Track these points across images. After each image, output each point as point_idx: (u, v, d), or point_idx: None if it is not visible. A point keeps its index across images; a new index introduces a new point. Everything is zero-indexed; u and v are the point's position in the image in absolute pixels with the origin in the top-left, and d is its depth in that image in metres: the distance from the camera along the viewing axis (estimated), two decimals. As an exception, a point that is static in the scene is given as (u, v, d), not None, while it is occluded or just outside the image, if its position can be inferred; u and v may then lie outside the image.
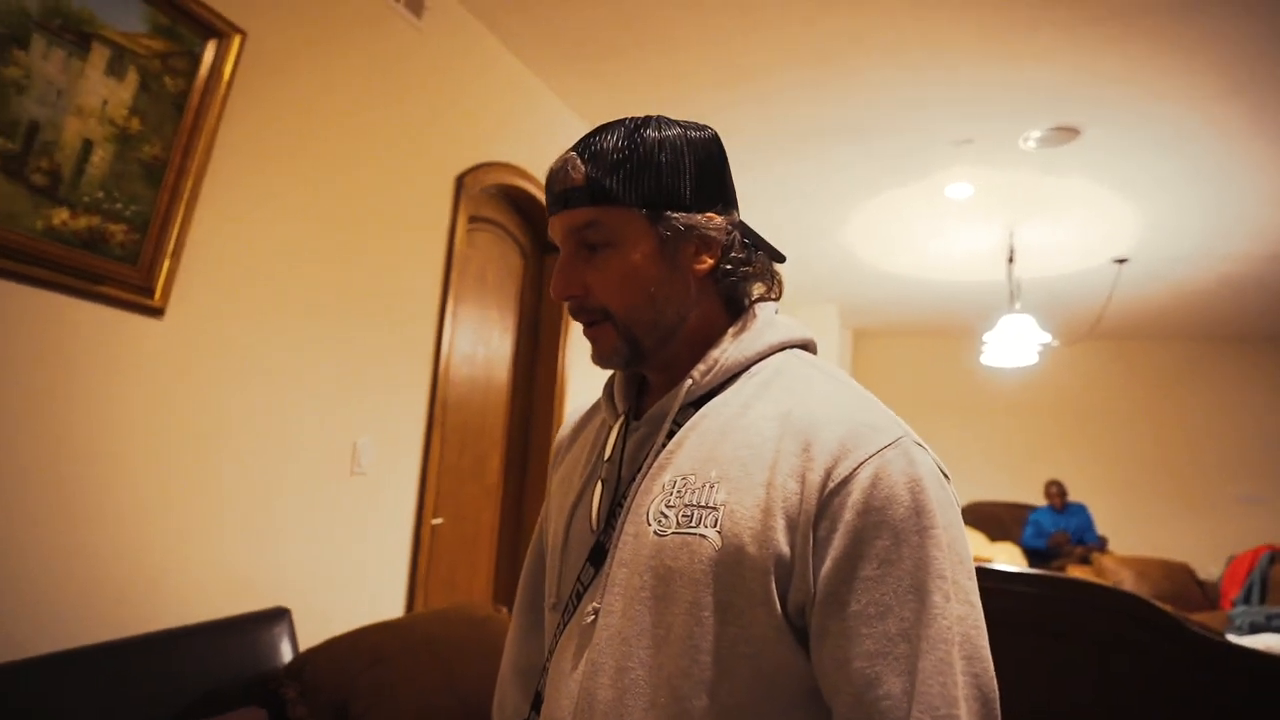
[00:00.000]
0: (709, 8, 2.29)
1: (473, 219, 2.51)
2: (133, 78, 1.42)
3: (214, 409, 1.59)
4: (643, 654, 0.63)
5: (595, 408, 0.86)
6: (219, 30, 1.56)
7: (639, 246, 0.68)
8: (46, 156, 1.30)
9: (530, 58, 2.62)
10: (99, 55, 1.37)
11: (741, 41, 2.46)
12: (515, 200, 2.78)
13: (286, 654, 1.59)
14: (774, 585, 0.60)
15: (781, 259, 0.78)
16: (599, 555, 0.70)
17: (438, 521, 2.38)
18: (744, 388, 0.69)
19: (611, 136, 0.68)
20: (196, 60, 1.53)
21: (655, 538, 0.64)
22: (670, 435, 0.69)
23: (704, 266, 0.71)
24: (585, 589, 0.70)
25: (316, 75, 1.85)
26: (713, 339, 0.72)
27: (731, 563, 0.60)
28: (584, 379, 3.04)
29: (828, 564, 0.59)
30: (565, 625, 0.71)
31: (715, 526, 0.61)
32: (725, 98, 2.80)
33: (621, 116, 0.71)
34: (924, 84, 2.64)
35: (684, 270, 0.70)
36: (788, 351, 0.73)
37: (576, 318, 0.72)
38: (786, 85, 2.72)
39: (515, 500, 2.89)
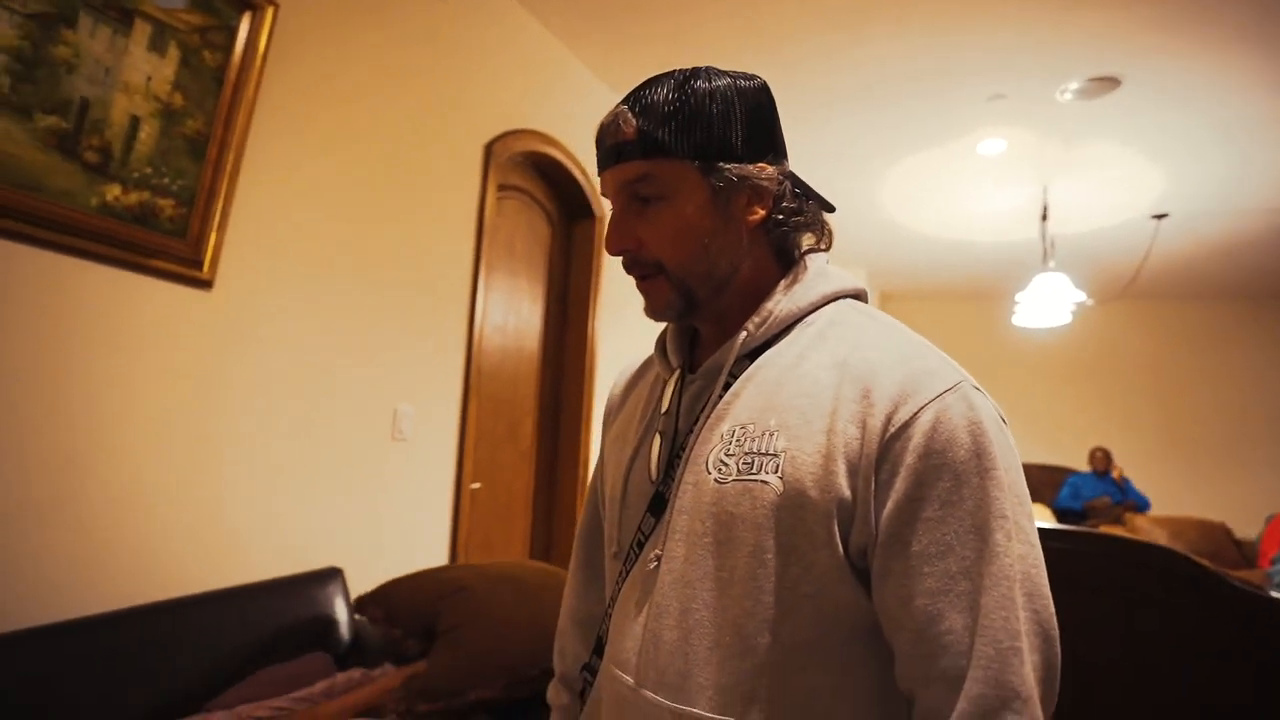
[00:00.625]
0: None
1: (501, 187, 2.52)
2: (174, 53, 1.45)
3: (262, 378, 1.64)
4: (706, 596, 0.65)
5: (647, 364, 0.87)
6: (252, 2, 1.58)
7: (692, 198, 0.69)
8: (97, 134, 1.33)
9: (556, 25, 2.60)
10: (141, 32, 1.39)
11: (769, 6, 2.41)
12: (542, 168, 2.78)
13: (341, 610, 1.66)
14: (836, 528, 0.61)
15: (831, 209, 0.78)
16: (659, 505, 0.72)
17: (476, 486, 2.44)
18: (799, 338, 0.70)
19: (662, 89, 0.68)
20: (233, 34, 1.55)
21: (716, 485, 0.66)
22: (726, 387, 0.70)
23: (756, 217, 0.71)
24: (646, 537, 0.72)
25: (348, 44, 1.86)
26: (765, 290, 0.73)
27: (793, 507, 0.62)
28: (615, 344, 3.07)
29: (889, 506, 0.60)
30: (628, 573, 0.73)
31: (776, 472, 0.63)
32: (753, 63, 2.75)
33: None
34: (956, 41, 2.57)
35: (736, 221, 0.70)
36: (841, 301, 0.73)
37: (630, 272, 0.73)
38: (814, 51, 2.67)
39: (548, 465, 2.94)
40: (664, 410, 0.75)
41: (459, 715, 1.30)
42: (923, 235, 4.94)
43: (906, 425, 0.61)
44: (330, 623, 1.58)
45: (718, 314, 0.74)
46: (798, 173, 0.74)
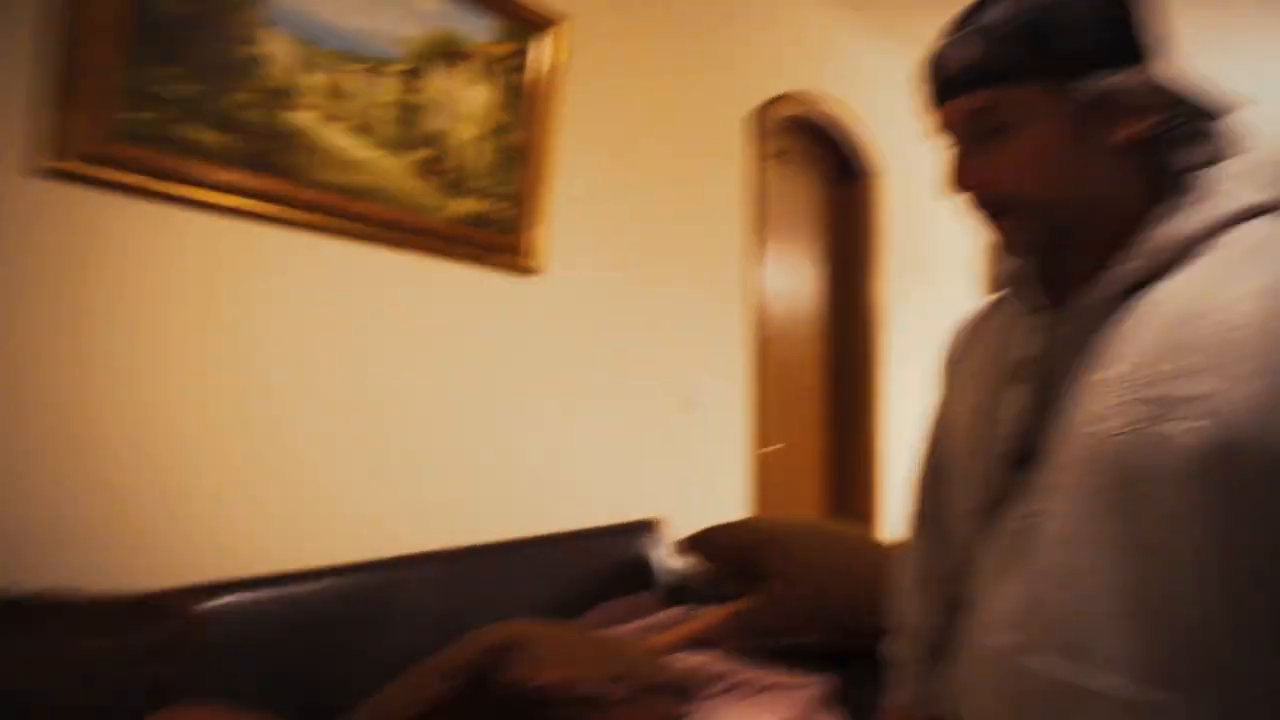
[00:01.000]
0: None
1: (772, 154, 2.54)
2: (492, 80, 1.71)
3: (575, 354, 1.87)
4: (1102, 561, 0.57)
5: (995, 306, 0.79)
6: (539, 24, 1.78)
7: (1046, 124, 0.61)
8: (449, 158, 1.63)
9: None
10: (466, 68, 1.67)
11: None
12: (814, 129, 2.74)
13: (662, 555, 1.84)
14: None
15: (1233, 108, 0.64)
16: (1027, 459, 0.64)
17: (774, 448, 2.51)
18: (1206, 265, 0.59)
19: (998, 6, 0.61)
20: (528, 53, 1.78)
21: (1113, 436, 0.57)
22: (1111, 325, 0.61)
23: (1125, 135, 0.61)
24: (1014, 494, 0.65)
25: (629, 48, 2.02)
26: (1144, 215, 0.63)
27: (1230, 456, 0.52)
28: (908, 304, 2.93)
29: None
30: (992, 532, 0.67)
31: (1204, 418, 0.53)
32: None
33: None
34: None
35: (1101, 143, 0.62)
36: (1260, 219, 0.60)
37: (979, 210, 0.67)
38: None
39: (837, 427, 2.91)
40: (1030, 354, 0.67)
41: (779, 654, 1.38)
42: None
43: None
44: (653, 566, 1.76)
45: (1087, 245, 0.65)
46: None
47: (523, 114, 1.75)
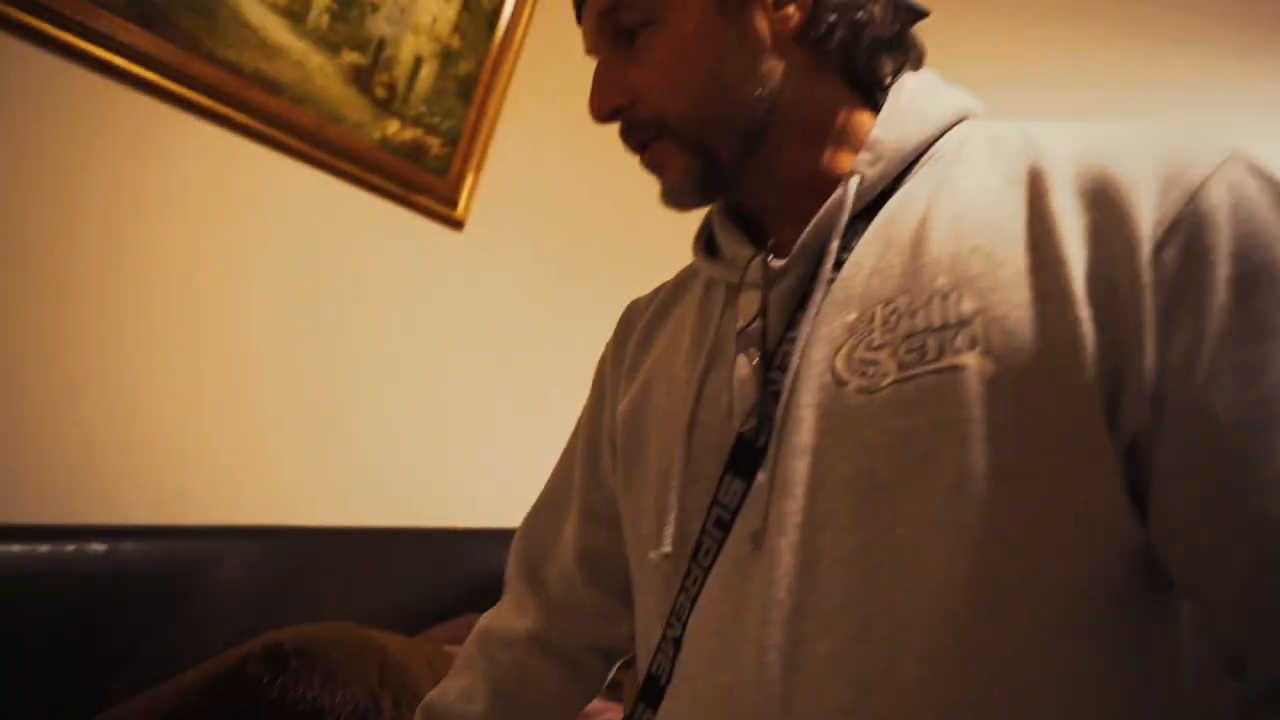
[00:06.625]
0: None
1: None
2: (457, -5, 1.49)
3: (505, 322, 1.71)
4: (873, 577, 0.42)
5: (673, 290, 0.66)
6: (531, -53, 1.58)
7: (688, 13, 0.49)
8: (387, 71, 1.40)
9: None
10: (434, -27, 1.44)
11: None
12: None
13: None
14: (1102, 413, 0.39)
15: (922, 14, 0.53)
16: (749, 460, 0.48)
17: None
18: (930, 174, 0.49)
19: None
20: (509, -23, 1.57)
21: (862, 397, 0.43)
22: (839, 264, 0.48)
23: (791, 22, 0.49)
24: (734, 511, 0.48)
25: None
26: (845, 132, 0.51)
27: (1020, 393, 0.40)
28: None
29: (1176, 355, 0.38)
30: (706, 571, 0.49)
31: (975, 347, 0.41)
32: None
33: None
34: None
35: (759, 33, 0.49)
36: (970, 121, 0.52)
37: (629, 140, 0.54)
38: None
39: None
40: (751, 320, 0.50)
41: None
42: None
43: (1178, 222, 0.39)
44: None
45: (769, 179, 0.52)
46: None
47: (481, 44, 1.55)
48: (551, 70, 1.72)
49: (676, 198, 0.53)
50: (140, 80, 1.10)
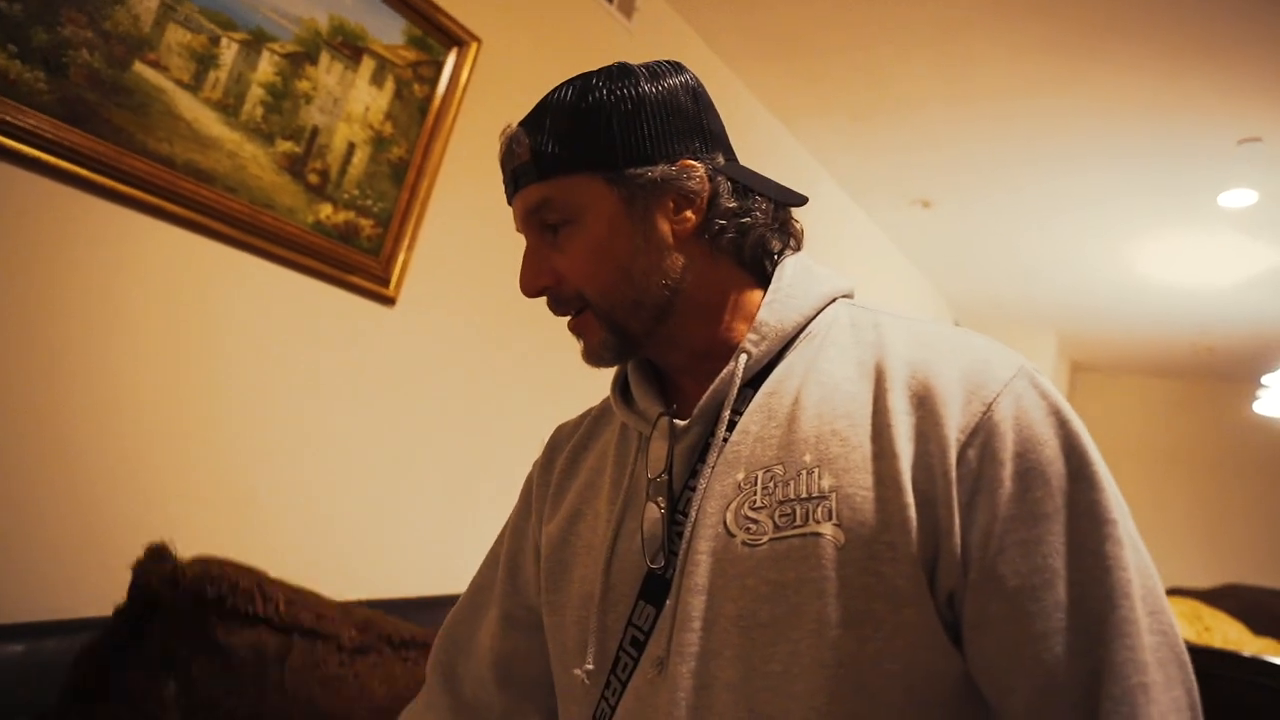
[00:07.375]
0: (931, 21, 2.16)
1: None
2: (389, 86, 1.57)
3: (436, 393, 1.74)
4: (753, 700, 0.51)
5: (598, 421, 0.75)
6: (461, 39, 1.68)
7: (601, 216, 0.58)
8: (320, 158, 1.46)
9: (733, 57, 2.61)
10: (366, 66, 1.51)
11: (972, 42, 2.31)
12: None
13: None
14: (924, 575, 0.50)
15: (799, 202, 0.65)
16: (658, 590, 0.57)
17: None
18: (805, 352, 0.59)
19: (555, 98, 0.61)
20: (440, 68, 1.66)
21: (746, 549, 0.53)
22: (731, 426, 0.58)
23: (688, 225, 0.59)
24: (646, 636, 0.57)
25: (537, 77, 1.94)
26: (732, 308, 0.62)
27: (863, 559, 0.50)
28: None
29: (976, 535, 0.50)
30: (621, 690, 0.57)
31: (831, 519, 0.51)
32: (959, 114, 2.62)
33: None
34: (1195, 80, 2.29)
35: (662, 234, 0.59)
36: (838, 303, 0.63)
37: (556, 312, 0.64)
38: (1032, 111, 2.51)
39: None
40: (660, 471, 0.60)
41: None
42: (1136, 298, 4.10)
43: (977, 430, 0.51)
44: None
45: (675, 345, 0.62)
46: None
47: (412, 130, 1.62)
48: (481, 151, 1.80)
49: (596, 359, 0.63)
50: (70, 175, 1.13)
